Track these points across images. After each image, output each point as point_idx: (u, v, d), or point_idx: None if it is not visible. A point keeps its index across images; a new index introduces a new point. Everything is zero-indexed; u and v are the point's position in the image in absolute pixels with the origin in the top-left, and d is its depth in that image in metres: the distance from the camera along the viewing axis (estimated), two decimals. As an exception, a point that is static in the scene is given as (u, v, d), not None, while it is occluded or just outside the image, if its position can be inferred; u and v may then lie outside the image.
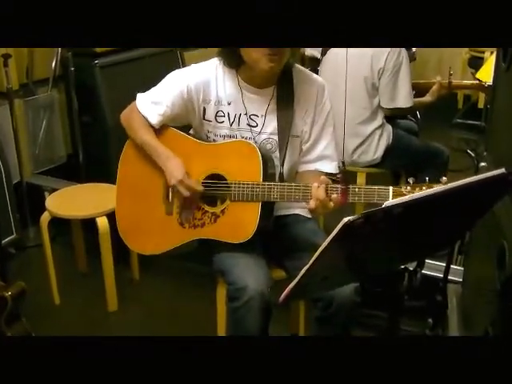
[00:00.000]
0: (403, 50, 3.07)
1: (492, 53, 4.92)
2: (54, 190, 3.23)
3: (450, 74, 3.30)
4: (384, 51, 3.01)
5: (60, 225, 2.97)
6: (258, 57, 1.99)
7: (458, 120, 5.30)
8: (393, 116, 3.25)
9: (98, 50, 3.39)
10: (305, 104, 2.15)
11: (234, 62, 2.09)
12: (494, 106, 2.21)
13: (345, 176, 1.96)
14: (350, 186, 1.91)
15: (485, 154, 2.28)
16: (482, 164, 2.26)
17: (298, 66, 2.20)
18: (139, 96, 2.24)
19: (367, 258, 1.43)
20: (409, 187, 1.83)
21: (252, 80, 2.12)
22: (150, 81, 3.53)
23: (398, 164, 3.29)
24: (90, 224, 2.78)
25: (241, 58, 2.05)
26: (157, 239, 2.20)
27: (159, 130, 2.20)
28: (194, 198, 2.11)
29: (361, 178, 3.19)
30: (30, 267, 3.25)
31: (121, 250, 2.62)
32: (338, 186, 1.92)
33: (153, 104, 2.18)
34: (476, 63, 5.31)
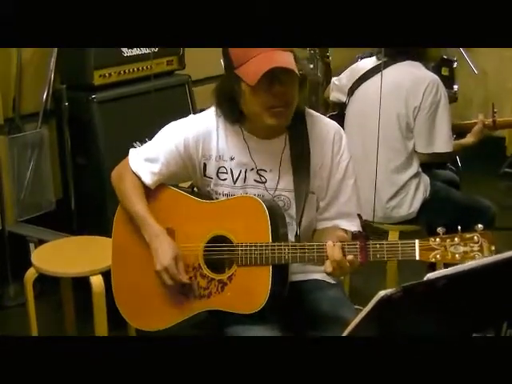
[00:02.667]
0: (442, 85, 3.12)
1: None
2: (41, 241, 3.26)
3: (494, 112, 3.34)
4: (421, 87, 3.06)
5: (46, 281, 3.00)
6: (259, 111, 2.02)
7: (507, 169, 5.34)
8: (430, 164, 3.29)
9: (96, 82, 3.46)
10: (320, 155, 2.16)
11: (235, 117, 2.12)
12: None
13: (363, 231, 1.98)
14: (370, 243, 1.92)
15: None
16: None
17: (309, 110, 2.22)
18: (131, 152, 2.27)
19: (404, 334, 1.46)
20: (438, 239, 1.84)
21: (258, 132, 2.14)
22: (154, 119, 3.63)
23: (435, 221, 3.29)
24: (81, 281, 2.80)
25: (241, 112, 2.08)
26: (158, 313, 2.20)
27: (155, 190, 2.22)
28: (182, 286, 2.11)
29: (393, 236, 3.20)
30: (8, 329, 3.28)
31: (116, 313, 2.65)
32: (356, 242, 1.92)
33: (147, 161, 2.21)
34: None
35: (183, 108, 3.87)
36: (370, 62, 3.30)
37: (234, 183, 2.17)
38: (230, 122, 2.14)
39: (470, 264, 1.34)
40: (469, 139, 3.28)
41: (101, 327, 2.76)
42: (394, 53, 3.11)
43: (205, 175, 2.20)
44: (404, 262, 2.11)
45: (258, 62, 1.95)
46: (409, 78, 3.11)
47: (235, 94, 2.04)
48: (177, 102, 3.85)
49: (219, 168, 2.18)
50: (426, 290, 1.31)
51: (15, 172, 3.67)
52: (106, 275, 2.70)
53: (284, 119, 2.05)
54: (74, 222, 3.57)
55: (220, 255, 2.11)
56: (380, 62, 3.16)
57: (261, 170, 2.16)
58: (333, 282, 2.27)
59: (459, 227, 1.85)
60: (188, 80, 3.94)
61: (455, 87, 4.25)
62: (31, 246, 3.41)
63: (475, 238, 1.82)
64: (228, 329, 2.11)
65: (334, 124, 2.22)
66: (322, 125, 2.20)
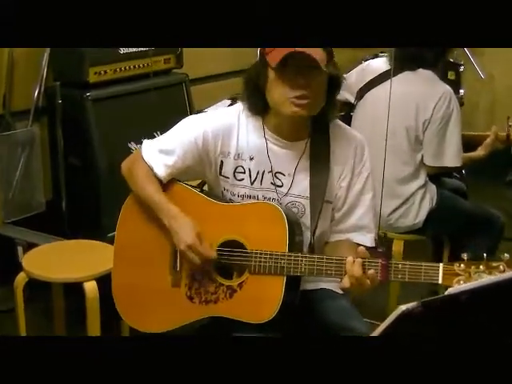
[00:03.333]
0: (454, 98, 3.12)
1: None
2: (30, 244, 3.24)
3: (510, 126, 3.32)
4: (433, 99, 3.06)
5: (35, 286, 2.98)
6: (281, 100, 2.03)
7: (514, 178, 5.36)
8: (437, 174, 3.30)
9: (91, 80, 3.45)
10: (341, 164, 2.18)
11: (259, 107, 2.13)
12: None
13: (386, 249, 1.99)
14: (393, 262, 1.93)
15: None
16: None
17: (338, 120, 2.24)
18: (145, 143, 2.27)
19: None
20: (463, 265, 1.84)
21: (280, 130, 2.15)
22: (150, 118, 3.65)
23: (442, 230, 3.33)
24: (72, 287, 2.79)
25: (265, 101, 2.09)
26: (160, 316, 2.20)
27: (166, 186, 2.22)
28: (206, 267, 2.11)
29: (397, 246, 3.21)
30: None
31: (109, 321, 2.63)
32: (378, 260, 1.94)
33: (161, 153, 2.20)
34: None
35: (180, 107, 3.89)
36: (382, 64, 3.28)
37: (252, 184, 2.18)
38: (253, 112, 2.15)
39: (492, 278, 1.35)
40: (479, 152, 3.28)
41: (94, 334, 2.76)
42: (406, 59, 3.09)
43: (220, 174, 2.20)
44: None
45: (285, 47, 1.97)
46: (420, 88, 3.11)
47: (261, 80, 2.06)
48: (174, 101, 3.87)
49: (237, 167, 2.18)
50: (446, 304, 1.32)
51: (4, 171, 3.65)
52: (100, 281, 2.73)
53: (306, 110, 2.05)
54: (65, 224, 3.56)
55: (232, 260, 2.11)
56: (391, 67, 3.16)
57: (278, 172, 2.17)
58: (341, 292, 2.27)
59: (485, 254, 1.84)
60: (185, 79, 3.95)
61: (461, 92, 4.25)
62: (19, 249, 3.38)
63: (501, 267, 1.81)
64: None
65: (357, 135, 2.25)
66: (346, 135, 2.23)
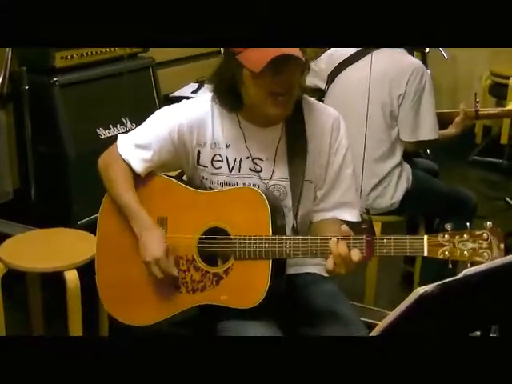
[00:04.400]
0: (427, 72, 3.14)
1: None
2: (-1, 233, 3.18)
3: (477, 102, 3.36)
4: (405, 74, 3.07)
5: (6, 277, 2.91)
6: (260, 99, 2.00)
7: (476, 157, 5.43)
8: (410, 153, 3.31)
9: (58, 65, 3.38)
10: (318, 143, 2.16)
11: (234, 106, 2.10)
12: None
13: (370, 224, 1.98)
14: (377, 237, 1.92)
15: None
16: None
17: (308, 97, 2.21)
18: (120, 138, 2.24)
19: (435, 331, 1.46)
20: (447, 235, 1.84)
21: (255, 119, 2.13)
22: (118, 104, 3.59)
23: (417, 211, 3.34)
24: (50, 279, 2.74)
25: (241, 100, 2.06)
26: (148, 307, 2.16)
27: (146, 178, 2.20)
28: (169, 281, 2.10)
29: (375, 228, 3.21)
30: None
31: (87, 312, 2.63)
32: (363, 237, 1.92)
33: (137, 148, 2.18)
34: (499, 91, 5.47)
35: (147, 91, 3.85)
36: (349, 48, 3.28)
37: (230, 171, 2.15)
38: (227, 110, 2.12)
39: (506, 258, 1.34)
40: (451, 130, 3.29)
41: (75, 326, 2.72)
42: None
43: (198, 163, 2.18)
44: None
45: (262, 48, 1.93)
46: (392, 65, 3.11)
47: (235, 81, 2.02)
48: (141, 86, 3.82)
49: (214, 156, 2.16)
50: (463, 285, 1.31)
51: (-32, 159, 3.59)
52: (80, 270, 2.69)
53: (286, 109, 2.03)
54: (34, 213, 3.51)
55: (216, 248, 2.09)
56: (360, 48, 3.17)
57: (256, 158, 2.15)
58: (326, 275, 2.22)
59: (468, 224, 1.85)
60: (152, 63, 3.91)
61: (428, 72, 4.27)
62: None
63: (484, 235, 1.82)
64: (220, 324, 2.10)
65: (332, 111, 2.21)
66: (320, 112, 2.19)
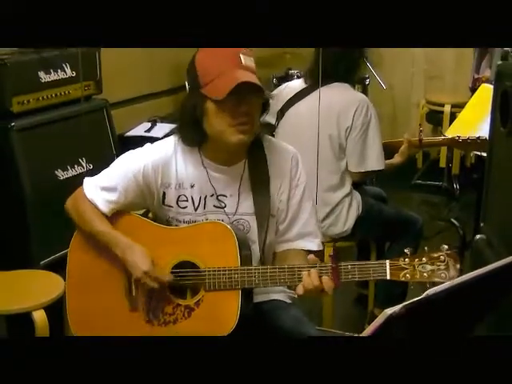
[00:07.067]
0: (371, 106, 3.24)
1: (452, 106, 5.23)
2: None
3: (421, 131, 3.48)
4: (351, 108, 3.17)
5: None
6: (223, 128, 2.05)
7: (418, 181, 5.55)
8: (359, 182, 3.39)
9: (15, 110, 3.37)
10: (279, 179, 2.21)
11: (196, 139, 2.15)
12: (490, 174, 2.38)
13: (334, 253, 2.04)
14: (342, 264, 1.98)
15: (482, 225, 2.43)
16: (479, 236, 2.41)
17: (267, 135, 2.28)
18: (86, 181, 2.27)
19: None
20: (407, 259, 1.92)
21: (218, 157, 2.17)
22: (75, 145, 3.58)
23: (368, 235, 3.42)
24: (15, 321, 2.71)
25: (203, 133, 2.11)
26: None
27: (114, 216, 2.22)
28: (162, 290, 2.12)
29: (328, 252, 3.27)
30: None
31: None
32: (328, 264, 1.98)
33: (103, 190, 2.21)
34: (435, 118, 5.61)
35: (102, 132, 3.84)
36: (298, 84, 3.38)
37: (196, 210, 2.19)
38: (190, 145, 2.17)
39: (466, 276, 1.40)
40: (397, 159, 3.40)
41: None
42: (322, 75, 3.17)
43: (164, 203, 2.21)
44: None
45: (226, 79, 1.99)
46: (339, 99, 3.20)
47: (199, 113, 2.07)
48: (96, 126, 3.79)
49: (179, 196, 2.19)
50: (426, 305, 1.36)
51: None
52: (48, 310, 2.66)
53: (247, 136, 2.08)
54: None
55: (187, 280, 2.12)
56: (308, 84, 3.25)
57: (221, 195, 2.19)
58: (290, 301, 2.34)
59: (426, 248, 1.94)
60: (106, 104, 3.89)
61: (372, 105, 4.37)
62: None
63: (441, 257, 1.91)
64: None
65: (290, 148, 2.28)
66: (280, 149, 2.26)
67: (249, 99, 2.03)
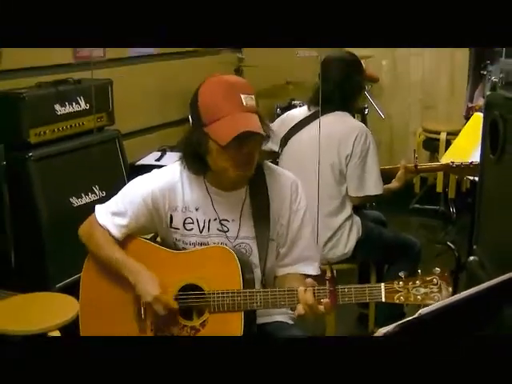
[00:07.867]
0: (370, 134, 3.34)
1: (448, 134, 5.34)
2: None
3: (416, 158, 3.58)
4: (351, 136, 3.27)
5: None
6: (226, 167, 2.14)
7: (416, 205, 5.64)
8: (358, 206, 3.48)
9: (32, 141, 3.48)
10: (279, 205, 2.29)
11: (201, 170, 2.23)
12: (482, 198, 2.48)
13: (332, 276, 2.13)
14: (339, 287, 2.06)
15: (474, 247, 2.53)
16: (472, 258, 2.51)
17: (268, 162, 2.37)
18: (98, 208, 2.36)
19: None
20: (401, 282, 2.01)
21: (220, 184, 2.26)
22: (88, 174, 3.69)
23: (368, 258, 3.51)
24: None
25: (207, 165, 2.19)
26: None
27: (124, 242, 2.30)
28: (170, 314, 2.19)
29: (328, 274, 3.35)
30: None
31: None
32: (326, 287, 2.07)
33: (114, 215, 2.30)
34: (431, 145, 5.71)
35: (115, 161, 3.95)
36: (301, 112, 3.49)
37: (201, 232, 2.27)
38: (195, 173, 2.25)
39: (459, 296, 1.50)
40: (395, 184, 3.50)
41: None
42: (323, 103, 3.28)
43: (171, 226, 2.30)
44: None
45: (228, 123, 2.06)
46: (340, 128, 3.31)
47: (202, 149, 2.15)
48: (108, 156, 3.91)
49: (186, 219, 2.28)
50: (419, 324, 1.46)
51: None
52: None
53: (249, 172, 2.18)
54: (13, 278, 3.52)
55: (193, 303, 2.20)
56: (311, 112, 3.35)
57: (223, 220, 2.28)
58: (292, 322, 2.41)
59: (419, 271, 2.02)
60: (117, 135, 4.00)
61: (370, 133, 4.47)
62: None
63: (434, 280, 1.99)
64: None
65: (290, 175, 2.37)
66: (280, 176, 2.34)
67: (250, 142, 2.10)
